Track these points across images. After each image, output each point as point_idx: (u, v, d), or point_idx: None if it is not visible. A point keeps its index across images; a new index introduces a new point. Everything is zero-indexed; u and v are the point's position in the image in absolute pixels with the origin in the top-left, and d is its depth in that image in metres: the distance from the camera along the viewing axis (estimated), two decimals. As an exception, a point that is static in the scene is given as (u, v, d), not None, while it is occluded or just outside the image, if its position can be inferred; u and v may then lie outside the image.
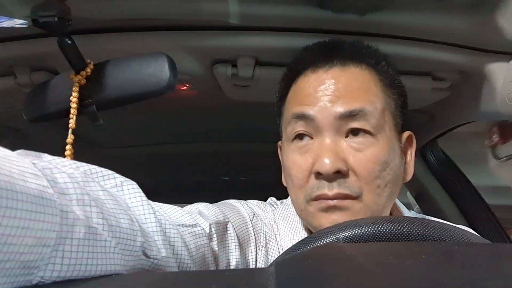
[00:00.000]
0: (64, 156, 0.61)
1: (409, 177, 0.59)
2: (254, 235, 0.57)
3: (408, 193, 1.44)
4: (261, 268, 0.32)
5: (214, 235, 0.49)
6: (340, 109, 0.53)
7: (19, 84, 0.79)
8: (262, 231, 0.59)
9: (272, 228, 0.61)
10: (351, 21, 0.68)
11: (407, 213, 0.65)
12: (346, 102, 0.53)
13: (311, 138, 0.55)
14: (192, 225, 0.46)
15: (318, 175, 0.52)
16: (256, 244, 0.57)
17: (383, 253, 0.32)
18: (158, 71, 0.66)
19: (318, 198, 0.53)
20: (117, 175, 0.42)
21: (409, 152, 0.61)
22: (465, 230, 0.40)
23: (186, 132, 1.36)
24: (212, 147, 1.46)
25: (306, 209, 0.55)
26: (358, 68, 0.57)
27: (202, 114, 1.16)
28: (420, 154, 1.26)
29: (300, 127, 0.56)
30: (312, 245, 0.40)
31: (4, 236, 0.23)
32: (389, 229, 0.39)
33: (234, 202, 0.61)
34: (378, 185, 0.53)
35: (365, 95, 0.54)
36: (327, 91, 0.54)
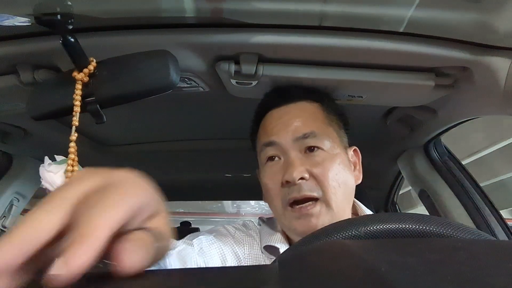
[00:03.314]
0: (67, 154, 0.62)
1: (358, 181, 0.76)
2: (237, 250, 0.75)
3: (411, 189, 1.44)
4: (265, 265, 0.32)
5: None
6: (296, 134, 0.70)
7: (22, 82, 0.79)
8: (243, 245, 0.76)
9: (250, 242, 0.77)
10: (354, 17, 0.68)
11: (367, 211, 0.78)
12: (300, 128, 0.71)
13: (279, 158, 0.72)
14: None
15: (287, 183, 0.68)
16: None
17: (386, 250, 0.32)
18: (161, 68, 0.66)
19: (291, 202, 0.68)
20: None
21: (357, 162, 0.78)
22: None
23: (189, 129, 1.36)
24: (215, 144, 1.46)
25: (284, 215, 0.70)
26: (306, 103, 0.76)
27: (205, 111, 1.16)
28: (424, 150, 1.26)
29: (269, 152, 0.73)
30: (319, 241, 0.40)
31: None
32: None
33: (222, 230, 0.78)
34: (333, 186, 0.68)
35: (313, 122, 0.72)
36: (286, 122, 0.72)
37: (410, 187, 1.45)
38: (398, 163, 1.41)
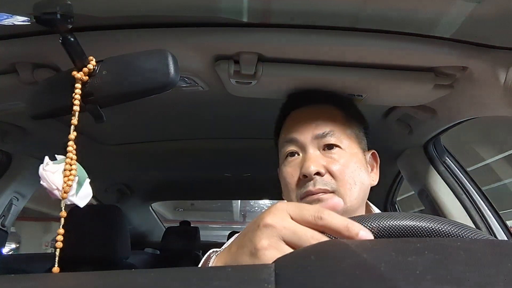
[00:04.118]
0: (66, 153, 0.62)
1: (374, 182, 0.78)
2: None
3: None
4: (263, 264, 0.32)
5: None
6: (316, 132, 0.74)
7: (22, 81, 0.79)
8: None
9: None
10: (354, 16, 0.68)
11: (377, 211, 0.80)
12: (319, 127, 0.74)
13: (299, 154, 0.75)
14: None
15: (304, 177, 0.71)
16: None
17: (386, 249, 0.32)
18: (160, 67, 0.66)
19: (305, 194, 0.70)
20: None
21: (374, 165, 0.81)
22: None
23: (188, 128, 1.36)
24: (214, 144, 1.46)
25: None
26: (327, 106, 0.80)
27: (204, 111, 1.16)
28: (423, 150, 1.26)
29: (289, 148, 0.76)
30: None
31: None
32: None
33: None
34: (350, 182, 0.71)
35: (332, 122, 0.76)
36: (306, 121, 0.76)
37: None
38: (398, 162, 1.41)
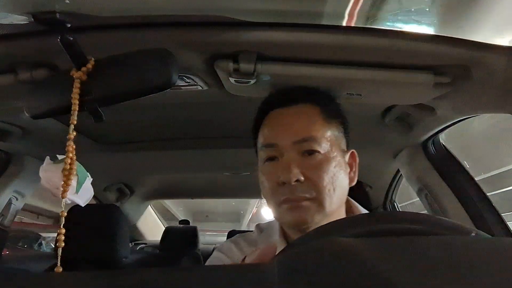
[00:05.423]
0: (65, 152, 0.62)
1: (353, 182, 0.79)
2: None
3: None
4: (264, 263, 0.32)
5: None
6: (295, 137, 0.73)
7: (20, 81, 0.79)
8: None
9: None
10: (352, 15, 0.68)
11: (363, 210, 0.81)
12: (299, 132, 0.73)
13: (278, 158, 0.74)
14: None
15: (283, 184, 0.71)
16: None
17: (386, 248, 0.32)
18: (159, 66, 0.66)
19: (284, 201, 0.71)
20: None
21: (354, 164, 0.80)
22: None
23: (187, 127, 1.36)
24: (214, 143, 1.46)
25: (278, 211, 0.73)
26: (307, 106, 0.78)
27: (204, 110, 1.16)
28: (422, 148, 1.26)
29: (269, 153, 0.75)
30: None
31: None
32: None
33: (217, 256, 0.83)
34: (329, 189, 0.71)
35: (312, 126, 0.74)
36: (286, 125, 0.75)
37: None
38: (397, 161, 1.41)
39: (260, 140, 0.79)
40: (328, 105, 0.80)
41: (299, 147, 0.73)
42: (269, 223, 0.86)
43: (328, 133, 0.75)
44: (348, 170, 0.78)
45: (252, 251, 0.74)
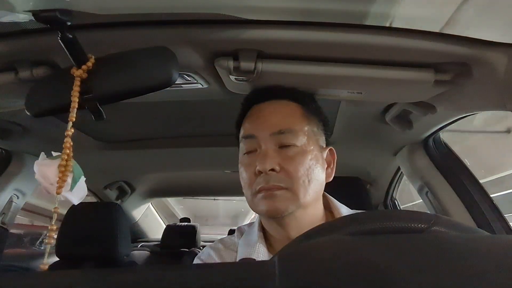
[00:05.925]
0: (63, 149, 0.62)
1: (330, 178, 0.80)
2: None
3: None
4: (264, 261, 0.32)
5: None
6: (273, 129, 0.75)
7: (21, 79, 0.79)
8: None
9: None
10: (353, 13, 0.68)
11: (341, 207, 0.82)
12: (277, 124, 0.75)
13: (256, 150, 0.76)
14: None
15: (259, 173, 0.73)
16: None
17: (386, 246, 0.32)
18: (160, 64, 0.66)
19: (259, 190, 0.73)
20: None
21: (331, 161, 0.82)
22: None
23: (188, 125, 1.36)
24: (214, 141, 1.46)
25: (253, 201, 0.75)
26: (287, 101, 0.80)
27: (204, 108, 1.16)
28: (423, 146, 1.26)
29: (248, 144, 0.77)
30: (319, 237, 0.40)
31: None
32: None
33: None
34: (303, 180, 0.72)
35: (291, 119, 0.77)
36: (265, 118, 0.77)
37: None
38: (397, 158, 1.41)
39: (241, 132, 0.81)
40: (308, 104, 0.82)
41: (277, 139, 0.74)
42: (250, 224, 0.88)
43: (306, 128, 0.77)
44: (326, 166, 0.80)
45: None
